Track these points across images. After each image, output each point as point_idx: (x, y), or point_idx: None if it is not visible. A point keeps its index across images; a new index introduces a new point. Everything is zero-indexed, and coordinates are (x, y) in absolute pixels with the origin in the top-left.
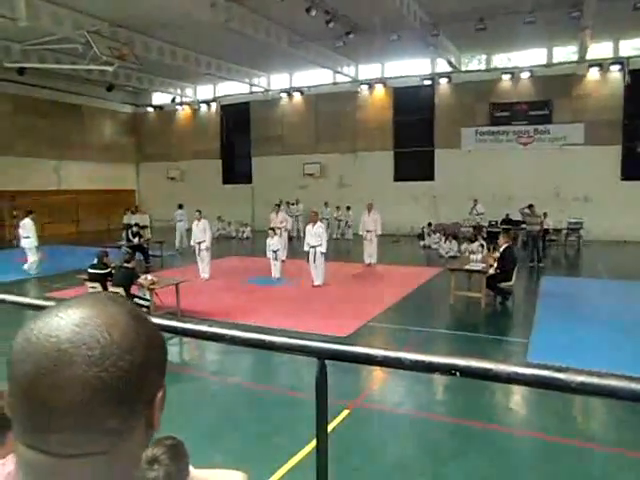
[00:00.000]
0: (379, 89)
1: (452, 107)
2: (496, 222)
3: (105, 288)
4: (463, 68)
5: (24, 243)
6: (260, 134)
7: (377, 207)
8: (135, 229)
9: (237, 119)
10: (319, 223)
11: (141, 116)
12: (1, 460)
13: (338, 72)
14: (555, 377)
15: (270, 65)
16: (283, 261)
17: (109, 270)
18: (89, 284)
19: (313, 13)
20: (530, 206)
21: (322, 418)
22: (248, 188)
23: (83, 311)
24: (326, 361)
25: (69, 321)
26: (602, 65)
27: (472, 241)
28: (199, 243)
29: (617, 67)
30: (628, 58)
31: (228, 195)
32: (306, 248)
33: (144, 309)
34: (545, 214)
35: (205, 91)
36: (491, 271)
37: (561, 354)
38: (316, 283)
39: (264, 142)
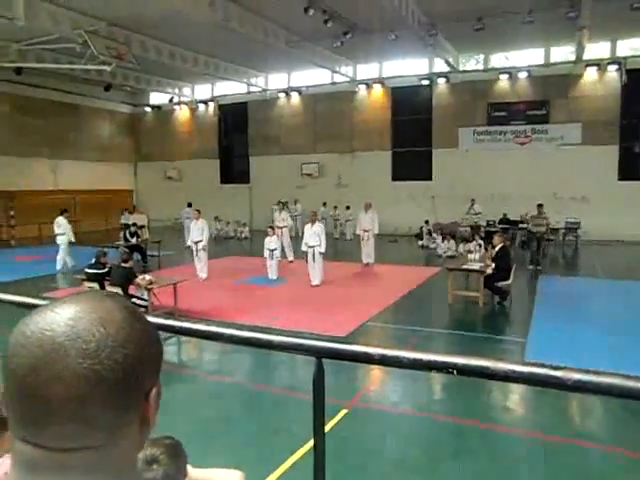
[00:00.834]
0: (377, 89)
1: (450, 107)
2: (494, 222)
3: (103, 288)
4: (461, 68)
5: (58, 240)
6: (258, 134)
7: (375, 207)
8: (133, 229)
9: (235, 119)
10: (318, 223)
11: (139, 116)
12: None
13: (336, 72)
14: (551, 375)
15: (268, 65)
16: (291, 261)
17: (107, 270)
18: (87, 284)
19: (311, 13)
20: (539, 205)
21: (320, 417)
22: (246, 188)
23: (78, 306)
24: (324, 360)
25: (64, 315)
26: (599, 65)
27: (470, 241)
28: (196, 243)
29: (614, 67)
30: (625, 58)
31: (226, 195)
32: (304, 248)
33: (142, 309)
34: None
35: (203, 91)
36: (489, 271)
37: (558, 353)
38: (314, 283)
39: (262, 142)
